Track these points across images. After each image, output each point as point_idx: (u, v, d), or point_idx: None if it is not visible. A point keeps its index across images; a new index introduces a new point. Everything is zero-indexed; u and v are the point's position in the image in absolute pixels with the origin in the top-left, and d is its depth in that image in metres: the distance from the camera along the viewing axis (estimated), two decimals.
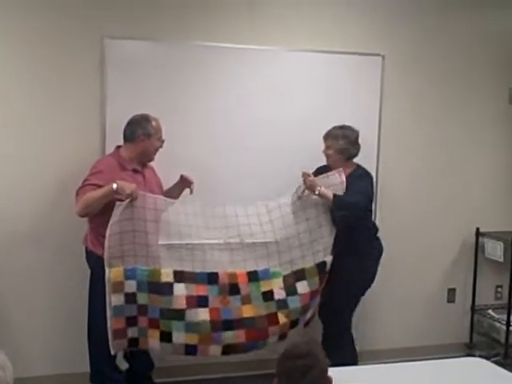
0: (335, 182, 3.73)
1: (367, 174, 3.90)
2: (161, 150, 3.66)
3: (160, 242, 3.44)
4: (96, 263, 3.43)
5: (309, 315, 3.74)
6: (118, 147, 3.66)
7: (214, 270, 3.52)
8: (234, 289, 3.54)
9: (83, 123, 3.88)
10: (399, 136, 4.55)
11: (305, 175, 3.70)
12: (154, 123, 3.60)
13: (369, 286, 3.92)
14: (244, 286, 3.55)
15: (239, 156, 4.10)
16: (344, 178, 3.73)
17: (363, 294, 3.95)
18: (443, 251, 4.77)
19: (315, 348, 2.13)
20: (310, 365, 2.03)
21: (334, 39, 4.30)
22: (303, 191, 3.73)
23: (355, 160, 3.92)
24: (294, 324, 3.64)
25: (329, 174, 3.77)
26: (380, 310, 4.58)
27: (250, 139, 4.12)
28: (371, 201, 3.88)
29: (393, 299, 4.63)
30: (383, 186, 4.45)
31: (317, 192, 3.64)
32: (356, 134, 3.86)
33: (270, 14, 4.17)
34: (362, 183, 3.80)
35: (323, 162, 3.96)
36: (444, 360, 3.27)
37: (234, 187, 4.04)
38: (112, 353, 3.45)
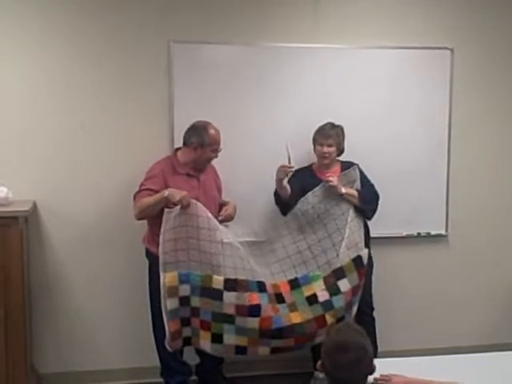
0: (352, 179, 3.82)
1: (355, 165, 3.92)
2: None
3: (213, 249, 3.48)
4: (152, 260, 3.55)
5: (355, 311, 3.72)
6: (177, 150, 3.75)
7: (261, 279, 3.57)
8: (279, 298, 3.57)
9: (152, 126, 4.01)
10: (471, 132, 4.46)
11: (328, 180, 3.74)
12: (212, 133, 3.62)
13: None
14: (288, 295, 3.59)
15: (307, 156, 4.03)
16: (358, 174, 3.82)
17: None
18: None
19: (364, 338, 2.18)
20: (361, 357, 2.11)
21: (399, 34, 4.25)
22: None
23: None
24: (339, 321, 3.59)
25: (345, 172, 3.85)
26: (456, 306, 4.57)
27: None
28: None
29: (468, 294, 4.59)
30: (456, 178, 4.43)
31: (343, 192, 3.71)
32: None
33: (334, 12, 4.17)
34: (362, 175, 3.89)
35: (389, 156, 4.15)
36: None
37: None
38: (170, 351, 3.54)
